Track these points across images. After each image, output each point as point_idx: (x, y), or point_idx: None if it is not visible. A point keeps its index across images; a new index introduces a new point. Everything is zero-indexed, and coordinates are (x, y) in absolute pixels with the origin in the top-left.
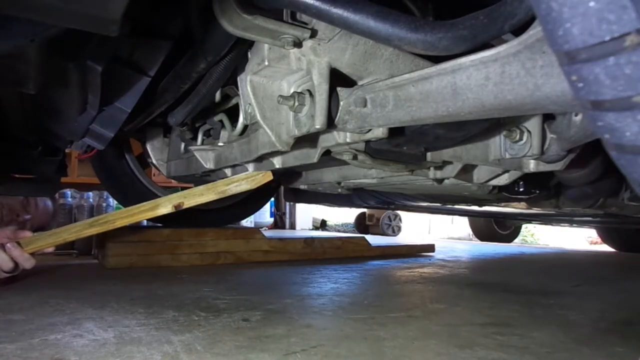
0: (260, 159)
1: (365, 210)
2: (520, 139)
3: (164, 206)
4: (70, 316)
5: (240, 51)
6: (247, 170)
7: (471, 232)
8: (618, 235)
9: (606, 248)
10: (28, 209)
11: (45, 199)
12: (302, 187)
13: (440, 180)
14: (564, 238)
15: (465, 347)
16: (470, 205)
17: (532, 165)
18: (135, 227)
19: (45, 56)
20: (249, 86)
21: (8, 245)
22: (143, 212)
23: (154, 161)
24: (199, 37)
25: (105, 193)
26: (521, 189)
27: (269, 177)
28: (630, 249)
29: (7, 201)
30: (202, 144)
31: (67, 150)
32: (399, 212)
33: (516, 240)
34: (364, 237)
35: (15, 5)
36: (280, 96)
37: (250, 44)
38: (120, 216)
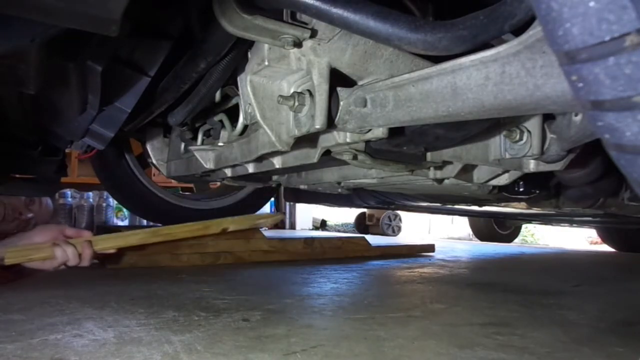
0: (260, 159)
1: (365, 210)
2: (520, 139)
3: (214, 229)
4: (70, 316)
5: (240, 51)
6: (247, 170)
7: (471, 232)
8: (618, 235)
9: (606, 248)
10: (32, 208)
11: (46, 198)
12: (302, 187)
13: (440, 180)
14: (564, 238)
15: (465, 347)
16: (470, 205)
17: (532, 165)
18: (135, 227)
19: (45, 56)
20: (249, 86)
21: (85, 243)
22: (198, 230)
23: (154, 161)
24: (199, 37)
25: (105, 193)
26: (521, 189)
27: (282, 217)
28: (630, 249)
29: (10, 200)
30: (202, 144)
31: (67, 150)
32: (399, 212)
33: (516, 240)
34: (364, 237)
35: (15, 5)
36: (280, 96)
37: (250, 44)
38: (181, 230)
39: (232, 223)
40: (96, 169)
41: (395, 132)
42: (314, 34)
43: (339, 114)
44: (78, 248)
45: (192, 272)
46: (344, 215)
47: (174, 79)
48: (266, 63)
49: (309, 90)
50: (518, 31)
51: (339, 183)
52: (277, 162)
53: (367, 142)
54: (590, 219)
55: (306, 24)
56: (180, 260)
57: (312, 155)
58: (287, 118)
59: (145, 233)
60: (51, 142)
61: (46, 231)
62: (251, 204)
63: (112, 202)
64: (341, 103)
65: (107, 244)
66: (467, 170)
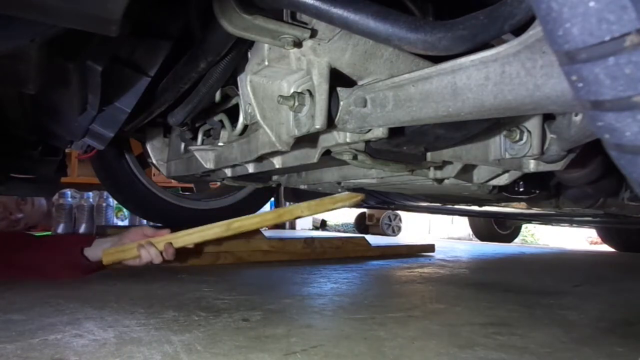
0: (260, 159)
1: (365, 210)
2: (520, 139)
3: (287, 217)
4: (70, 316)
5: (240, 51)
6: (247, 170)
7: (471, 232)
8: (618, 235)
9: (606, 248)
10: (22, 208)
11: (40, 198)
12: (302, 187)
13: (440, 180)
14: (564, 238)
15: (466, 347)
16: (470, 205)
17: (532, 165)
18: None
19: (45, 56)
20: (249, 86)
21: (166, 244)
22: (272, 220)
23: (154, 161)
24: (199, 37)
25: (105, 193)
26: (521, 189)
27: (362, 198)
28: (630, 249)
29: (2, 199)
30: (202, 144)
31: (67, 150)
32: (399, 212)
33: (516, 240)
34: (364, 237)
35: (15, 5)
36: (280, 96)
37: (250, 44)
38: (252, 221)
39: (306, 209)
40: (96, 169)
41: (395, 132)
42: (314, 34)
43: (339, 114)
44: (159, 247)
45: (192, 272)
46: (344, 215)
47: (174, 79)
48: (266, 63)
49: (309, 90)
50: (518, 31)
51: (339, 183)
52: (277, 162)
53: (367, 142)
54: (590, 219)
55: (306, 24)
56: (180, 260)
57: (312, 155)
58: (287, 118)
59: (219, 227)
60: (51, 142)
61: (132, 234)
62: (251, 204)
63: (112, 202)
64: (341, 103)
65: (186, 241)
66: (467, 170)
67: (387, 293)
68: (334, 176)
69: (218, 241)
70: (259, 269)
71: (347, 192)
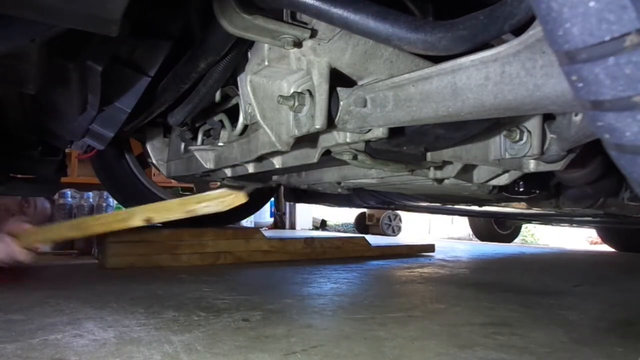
0: (260, 159)
1: (365, 210)
2: (520, 139)
3: (137, 219)
4: (70, 316)
5: (240, 51)
6: (247, 170)
7: (471, 232)
8: (618, 235)
9: (606, 248)
10: (25, 210)
11: (42, 200)
12: (302, 187)
13: (440, 180)
14: (564, 238)
15: (466, 347)
16: (470, 205)
17: (532, 165)
18: (135, 227)
19: (45, 56)
20: (249, 86)
21: (7, 239)
22: (118, 222)
23: (154, 161)
24: (199, 37)
25: (105, 193)
26: (521, 189)
27: (240, 199)
28: (630, 249)
29: (5, 201)
30: (202, 144)
31: (67, 150)
32: (399, 212)
33: (516, 240)
34: (364, 237)
35: (15, 5)
36: (280, 96)
37: (250, 44)
38: (96, 223)
39: (158, 211)
40: (96, 169)
41: (395, 132)
42: (314, 34)
43: (339, 114)
44: (7, 243)
45: (192, 272)
46: (344, 215)
47: (174, 79)
48: (266, 63)
49: (309, 90)
50: (518, 31)
51: (339, 183)
52: (277, 162)
53: (367, 142)
54: (590, 219)
55: (306, 24)
56: (180, 260)
57: (312, 155)
58: (287, 118)
59: (65, 227)
60: (51, 142)
61: (10, 225)
62: (251, 204)
63: (112, 202)
64: (341, 103)
65: (36, 239)
66: (467, 170)
67: (387, 293)
68: (334, 176)
69: (217, 241)
70: (259, 269)
71: (220, 190)
